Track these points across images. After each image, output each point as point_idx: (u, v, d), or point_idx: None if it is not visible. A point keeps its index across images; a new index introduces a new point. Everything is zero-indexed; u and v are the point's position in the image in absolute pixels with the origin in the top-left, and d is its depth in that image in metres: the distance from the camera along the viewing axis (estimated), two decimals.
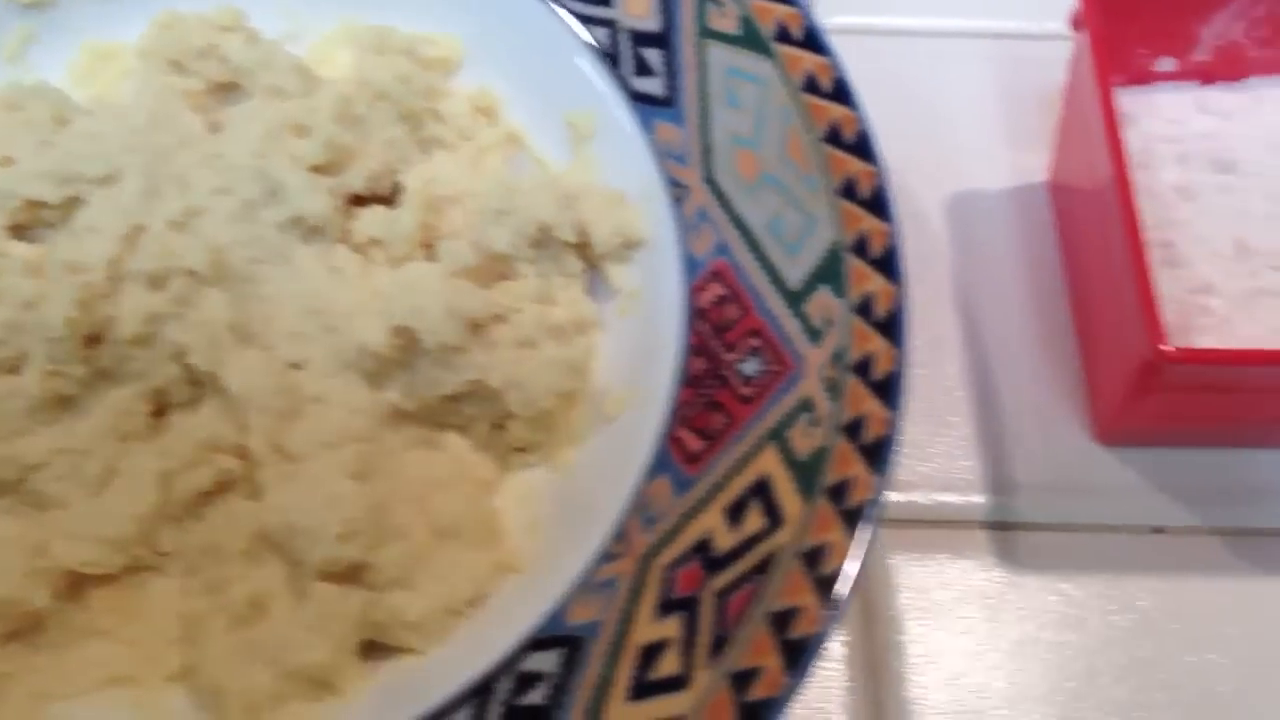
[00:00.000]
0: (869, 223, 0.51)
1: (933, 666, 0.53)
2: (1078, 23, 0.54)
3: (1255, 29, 0.56)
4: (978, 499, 0.56)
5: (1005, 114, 0.65)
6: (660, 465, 0.48)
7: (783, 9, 0.55)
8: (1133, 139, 0.57)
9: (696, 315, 0.50)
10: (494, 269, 0.53)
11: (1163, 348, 0.46)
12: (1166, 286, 0.54)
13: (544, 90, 0.58)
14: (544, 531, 0.50)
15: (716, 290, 0.51)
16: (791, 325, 0.50)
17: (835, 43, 0.55)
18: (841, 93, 0.53)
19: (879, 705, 0.52)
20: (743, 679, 0.43)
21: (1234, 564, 0.54)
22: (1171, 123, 0.57)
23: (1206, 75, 0.58)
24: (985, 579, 0.55)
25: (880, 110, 0.54)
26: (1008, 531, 0.56)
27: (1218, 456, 0.56)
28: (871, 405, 0.47)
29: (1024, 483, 0.56)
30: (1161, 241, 0.54)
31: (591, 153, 0.56)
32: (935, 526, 0.56)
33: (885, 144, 0.53)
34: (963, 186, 0.63)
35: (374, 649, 0.48)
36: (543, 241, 0.53)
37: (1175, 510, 0.55)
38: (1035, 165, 0.63)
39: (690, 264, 0.52)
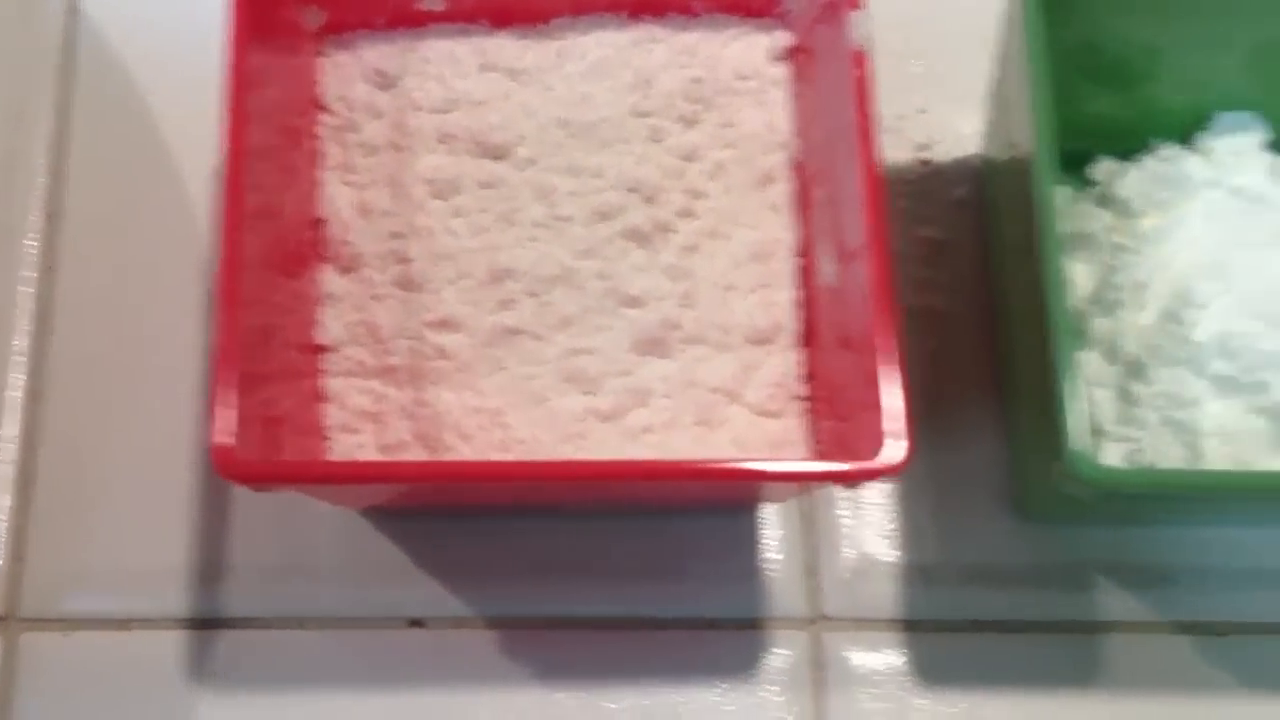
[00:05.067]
0: None
1: None
2: None
3: None
4: None
5: None
6: None
7: None
8: (388, 107, 0.42)
9: None
10: None
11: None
12: (399, 318, 0.40)
13: None
14: None
15: None
16: None
17: None
18: None
19: None
20: None
21: None
22: (441, 84, 0.42)
23: (501, 15, 0.42)
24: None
25: None
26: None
27: None
28: None
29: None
30: (399, 257, 0.40)
31: None
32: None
33: None
34: None
35: None
36: None
37: None
38: None
39: None
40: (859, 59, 0.36)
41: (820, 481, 0.34)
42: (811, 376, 0.39)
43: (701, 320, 0.39)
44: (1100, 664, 0.43)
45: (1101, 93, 0.47)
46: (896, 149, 0.48)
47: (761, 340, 0.39)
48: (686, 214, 0.40)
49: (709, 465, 0.34)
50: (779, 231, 0.40)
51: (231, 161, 0.35)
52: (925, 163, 0.48)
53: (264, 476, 0.33)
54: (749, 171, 0.41)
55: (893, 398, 0.33)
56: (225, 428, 0.32)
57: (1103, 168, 0.47)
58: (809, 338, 0.40)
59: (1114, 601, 0.43)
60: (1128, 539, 0.44)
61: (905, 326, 0.46)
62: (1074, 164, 0.48)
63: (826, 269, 0.38)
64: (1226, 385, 0.43)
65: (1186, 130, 0.47)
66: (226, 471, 0.32)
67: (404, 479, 0.34)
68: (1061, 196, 0.45)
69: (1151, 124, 0.47)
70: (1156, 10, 0.44)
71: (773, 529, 0.44)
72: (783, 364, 0.39)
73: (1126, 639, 0.43)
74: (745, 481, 0.35)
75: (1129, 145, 0.47)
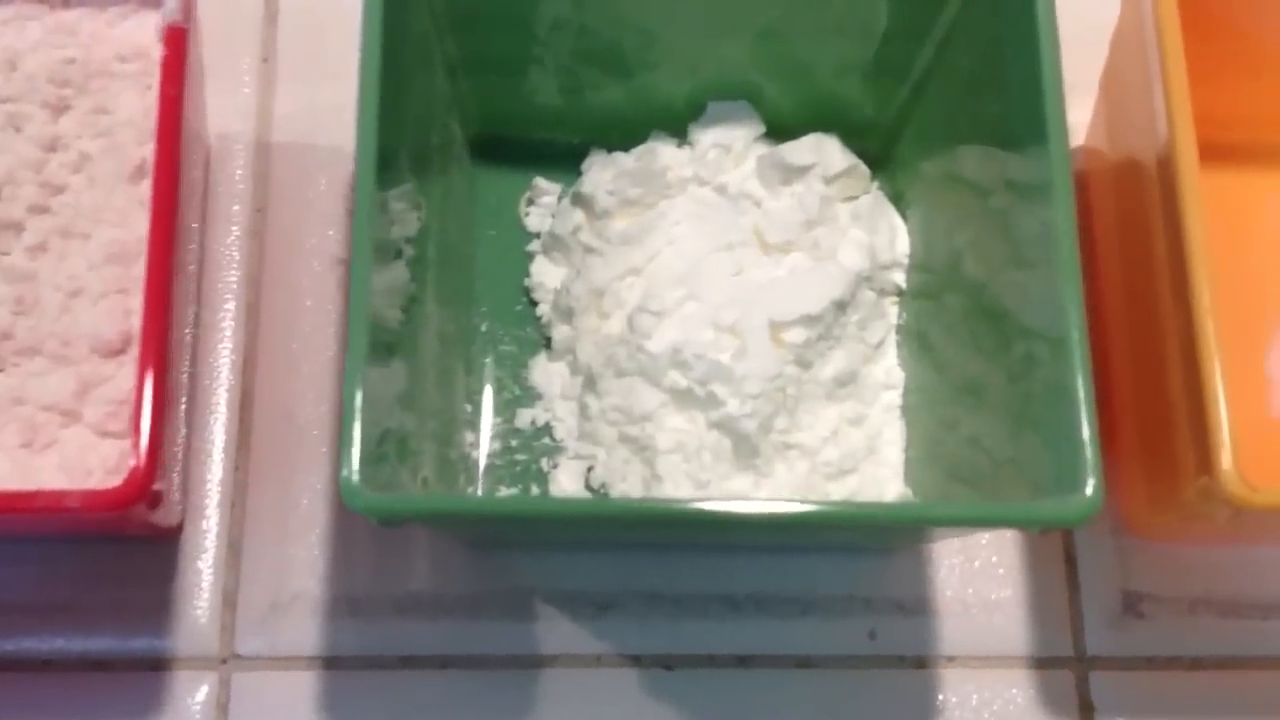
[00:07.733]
0: None
1: None
2: None
3: None
4: None
5: None
6: None
7: None
8: None
9: None
10: None
11: None
12: None
13: None
14: None
15: None
16: None
17: None
18: None
19: None
20: None
21: None
22: None
23: None
24: None
25: None
26: None
27: None
28: None
29: None
30: None
31: None
32: None
33: None
34: None
35: None
36: None
37: None
38: None
39: None
40: (171, 36, 0.32)
41: (56, 512, 0.30)
42: None
43: (39, 330, 0.35)
44: (540, 699, 0.39)
45: (604, 81, 0.43)
46: None
47: (111, 352, 0.35)
48: (40, 210, 0.36)
49: None
50: (147, 230, 0.36)
51: None
52: None
53: None
54: (121, 163, 0.36)
55: (141, 414, 0.29)
56: None
57: (587, 162, 0.43)
58: None
59: (556, 633, 0.40)
60: (572, 566, 0.40)
61: None
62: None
63: None
64: (683, 399, 0.39)
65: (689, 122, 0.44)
66: None
67: None
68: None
69: (657, 115, 0.44)
70: None
71: (199, 560, 0.40)
72: (132, 379, 0.35)
73: (568, 673, 0.39)
74: None
75: (639, 138, 0.44)
